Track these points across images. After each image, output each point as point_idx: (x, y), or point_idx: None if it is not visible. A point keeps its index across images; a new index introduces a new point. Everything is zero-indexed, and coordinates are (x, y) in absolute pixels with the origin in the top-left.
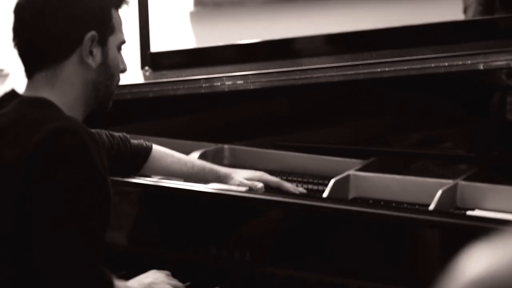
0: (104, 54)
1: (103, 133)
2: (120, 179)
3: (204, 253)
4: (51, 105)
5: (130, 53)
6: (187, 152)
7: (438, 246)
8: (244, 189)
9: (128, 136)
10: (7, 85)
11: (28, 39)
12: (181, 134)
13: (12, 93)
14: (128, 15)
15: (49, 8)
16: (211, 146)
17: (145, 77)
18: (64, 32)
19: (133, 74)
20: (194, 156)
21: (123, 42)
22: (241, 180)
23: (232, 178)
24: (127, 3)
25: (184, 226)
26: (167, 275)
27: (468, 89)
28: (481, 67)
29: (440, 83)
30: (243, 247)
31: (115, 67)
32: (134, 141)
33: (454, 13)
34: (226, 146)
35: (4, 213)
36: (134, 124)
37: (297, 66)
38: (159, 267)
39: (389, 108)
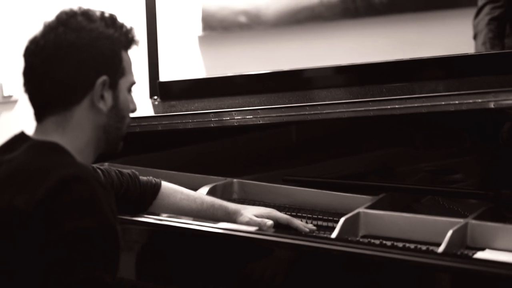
0: (115, 97)
1: (112, 170)
2: (129, 217)
3: None
4: (61, 150)
5: (139, 82)
6: (196, 185)
7: None
8: (253, 229)
9: (137, 173)
10: (15, 112)
11: (38, 85)
12: (190, 167)
13: (22, 136)
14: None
15: (59, 54)
16: (220, 180)
17: (154, 106)
18: (74, 78)
19: (142, 103)
20: (204, 190)
21: (133, 83)
22: (251, 217)
23: (241, 215)
24: (136, 43)
25: (194, 265)
26: None
27: (479, 125)
28: (492, 106)
29: (451, 119)
30: (252, 287)
31: (125, 109)
32: (143, 178)
33: (465, 33)
34: (235, 180)
35: (12, 260)
36: (142, 156)
37: (307, 98)
38: None
39: (399, 142)
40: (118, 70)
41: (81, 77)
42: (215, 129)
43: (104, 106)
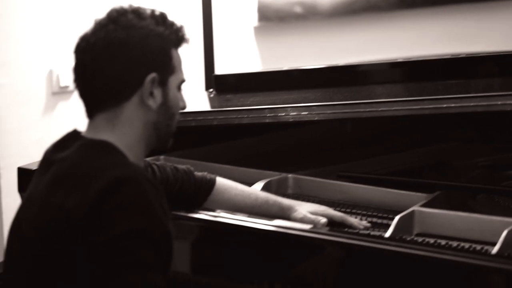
0: (165, 95)
1: (168, 166)
2: (184, 214)
3: None
4: (112, 149)
5: (195, 74)
6: (251, 180)
7: None
8: (307, 227)
9: (192, 169)
10: (71, 102)
11: (88, 82)
12: (245, 162)
13: (74, 134)
14: (193, 35)
15: (109, 52)
16: (275, 175)
17: (210, 99)
18: (124, 75)
19: (197, 95)
20: (259, 185)
21: (183, 81)
22: (305, 213)
23: (296, 211)
24: (187, 41)
25: (248, 261)
26: None
27: None
28: None
29: (507, 117)
30: (307, 284)
31: (175, 107)
32: (198, 174)
33: None
34: (290, 175)
35: (66, 263)
36: (197, 150)
37: (362, 94)
38: None
39: (453, 138)
40: (167, 68)
41: (131, 74)
42: (270, 124)
43: (154, 103)
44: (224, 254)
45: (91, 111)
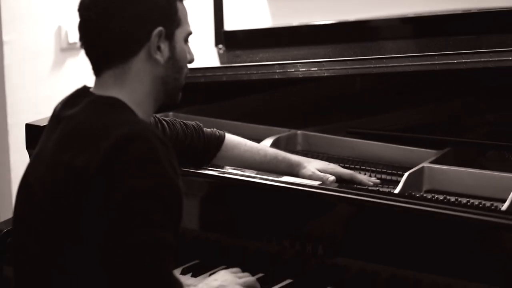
0: (172, 48)
1: (178, 122)
2: (193, 170)
3: (277, 245)
4: (120, 106)
5: (205, 30)
6: (260, 136)
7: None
8: (316, 183)
9: (201, 125)
10: (80, 58)
11: (94, 39)
12: (254, 118)
13: (83, 91)
14: None
15: (114, 7)
16: (284, 132)
17: (219, 56)
18: (130, 30)
19: (207, 51)
20: (268, 142)
21: (190, 33)
22: (314, 170)
23: (304, 168)
24: None
25: (258, 217)
26: (237, 272)
27: None
28: None
29: None
30: (316, 240)
31: (182, 60)
32: (207, 130)
33: None
34: (299, 132)
35: (75, 221)
36: (206, 106)
37: (373, 50)
38: (231, 256)
39: (464, 95)
40: (174, 21)
41: (137, 29)
42: (280, 80)
43: (161, 57)
44: (232, 210)
45: (98, 68)
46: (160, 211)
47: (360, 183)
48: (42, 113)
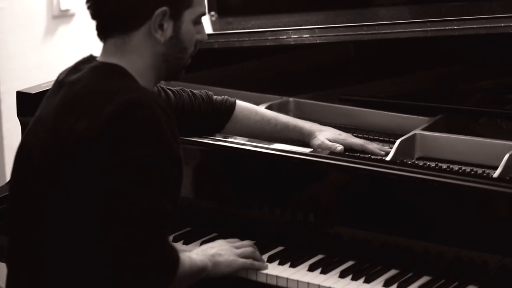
0: (177, 28)
1: (185, 92)
2: (185, 138)
3: (268, 213)
4: (123, 73)
5: None
6: (252, 103)
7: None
8: (307, 151)
9: (211, 94)
10: (72, 26)
11: (99, 6)
12: (246, 85)
13: (89, 58)
14: None
15: None
16: (276, 99)
17: (211, 23)
18: (133, 5)
19: None
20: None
21: (202, 14)
22: (323, 140)
23: (315, 137)
24: None
25: (249, 185)
26: (235, 242)
27: None
28: None
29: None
30: (307, 208)
31: (188, 40)
32: (218, 100)
33: None
34: (291, 99)
35: (75, 187)
36: (198, 73)
37: (365, 16)
38: (222, 224)
39: (456, 61)
40: (183, 1)
41: (140, 5)
42: (272, 47)
43: (162, 36)
44: (224, 178)
45: (102, 34)
46: (159, 179)
47: (371, 153)
48: (34, 81)
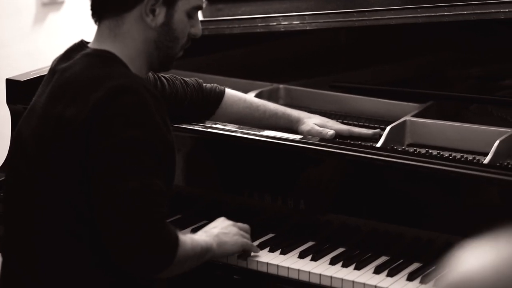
0: (169, 16)
1: (178, 79)
2: (175, 125)
3: (259, 200)
4: (113, 60)
5: None
6: (242, 90)
7: (492, 200)
8: (297, 137)
9: (201, 81)
10: (62, 13)
11: None
12: (236, 73)
13: (80, 44)
14: None
15: None
16: (266, 86)
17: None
18: None
19: None
20: (250, 96)
21: (198, 7)
22: (312, 125)
23: (304, 123)
24: None
25: (239, 172)
26: (234, 224)
27: None
28: None
29: (501, 26)
30: (297, 195)
31: (179, 30)
32: (207, 87)
33: None
34: (281, 86)
35: (66, 172)
36: (188, 60)
37: (355, 3)
38: (213, 211)
39: (447, 48)
40: None
41: None
42: (262, 34)
43: (153, 21)
44: (214, 165)
45: (96, 16)
46: (149, 160)
47: (359, 135)
48: (23, 69)
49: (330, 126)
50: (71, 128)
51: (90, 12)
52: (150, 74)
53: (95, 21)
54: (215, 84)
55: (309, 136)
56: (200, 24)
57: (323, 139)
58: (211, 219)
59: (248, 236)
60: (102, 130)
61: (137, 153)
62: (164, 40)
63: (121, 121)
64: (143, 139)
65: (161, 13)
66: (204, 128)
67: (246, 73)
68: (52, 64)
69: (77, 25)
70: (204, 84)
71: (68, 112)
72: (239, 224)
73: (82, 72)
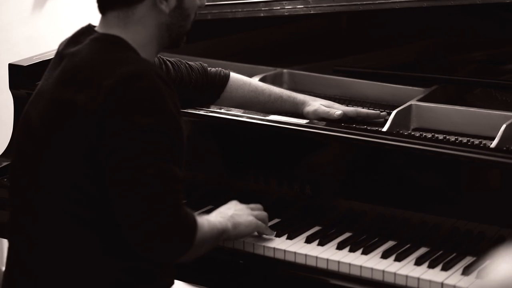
0: None
1: (182, 64)
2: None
3: (264, 185)
4: (124, 45)
5: None
6: (245, 75)
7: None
8: (303, 122)
9: (206, 65)
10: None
11: None
12: (239, 57)
13: (88, 28)
14: None
15: None
16: (270, 70)
17: None
18: None
19: None
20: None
21: None
22: (319, 105)
23: (309, 105)
24: None
25: (245, 157)
26: (248, 206)
27: None
28: None
29: (506, 9)
30: (303, 180)
31: (191, 8)
32: (212, 71)
33: None
34: (285, 70)
35: (74, 157)
36: (191, 45)
37: None
38: (218, 197)
39: (452, 32)
40: None
41: None
42: (265, 18)
43: (166, 7)
44: (219, 150)
45: (103, 7)
46: (165, 145)
47: (366, 115)
48: (23, 54)
49: (337, 108)
50: (82, 113)
51: (96, 5)
52: (155, 58)
53: (100, 11)
54: (220, 68)
55: (315, 120)
56: None
57: (329, 123)
58: (216, 205)
59: (263, 215)
60: (117, 117)
61: (153, 140)
62: (177, 21)
63: (134, 108)
64: (157, 125)
65: None
66: (210, 112)
67: (250, 57)
68: (59, 48)
69: (77, 9)
70: (209, 68)
71: (79, 97)
72: (252, 205)
73: (93, 57)
